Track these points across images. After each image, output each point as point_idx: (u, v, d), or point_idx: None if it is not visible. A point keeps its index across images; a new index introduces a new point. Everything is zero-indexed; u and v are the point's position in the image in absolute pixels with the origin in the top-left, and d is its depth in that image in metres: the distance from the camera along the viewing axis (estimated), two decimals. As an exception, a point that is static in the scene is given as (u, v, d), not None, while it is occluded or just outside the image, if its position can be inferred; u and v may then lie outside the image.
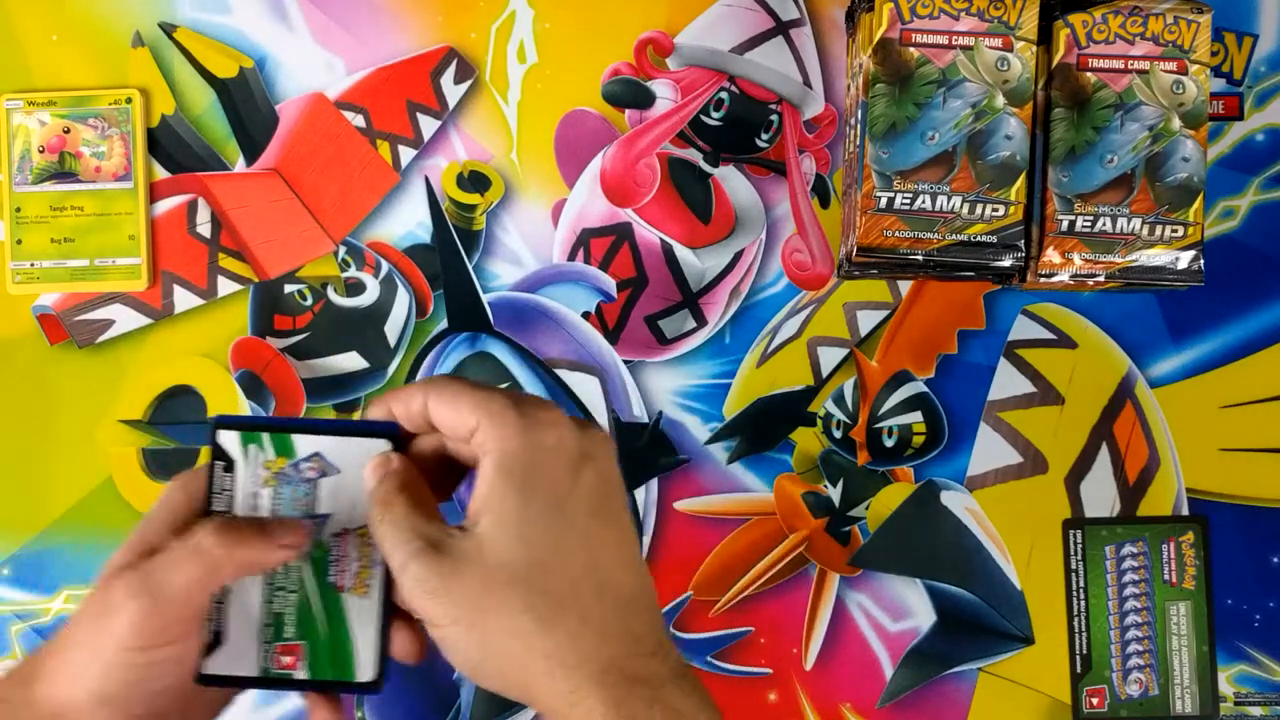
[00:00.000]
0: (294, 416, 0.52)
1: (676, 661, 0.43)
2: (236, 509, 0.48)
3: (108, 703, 0.44)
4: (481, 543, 0.42)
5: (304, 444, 0.48)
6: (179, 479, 0.48)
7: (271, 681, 0.48)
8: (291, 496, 0.48)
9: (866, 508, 0.76)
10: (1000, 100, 0.68)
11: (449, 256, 0.77)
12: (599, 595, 0.43)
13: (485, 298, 0.77)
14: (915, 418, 0.77)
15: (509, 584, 0.42)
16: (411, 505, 0.44)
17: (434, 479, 0.47)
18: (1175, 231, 0.69)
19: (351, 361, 0.77)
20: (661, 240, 0.77)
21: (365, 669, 0.48)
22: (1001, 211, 0.68)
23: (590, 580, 0.43)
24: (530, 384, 0.76)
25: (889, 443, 0.76)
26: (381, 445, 0.47)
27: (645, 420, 0.77)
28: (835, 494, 0.77)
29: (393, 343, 0.77)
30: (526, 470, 0.43)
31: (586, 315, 0.77)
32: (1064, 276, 0.69)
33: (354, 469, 0.48)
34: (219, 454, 0.48)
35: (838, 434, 0.77)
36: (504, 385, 0.76)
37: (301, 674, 0.48)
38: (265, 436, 0.48)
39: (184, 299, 0.76)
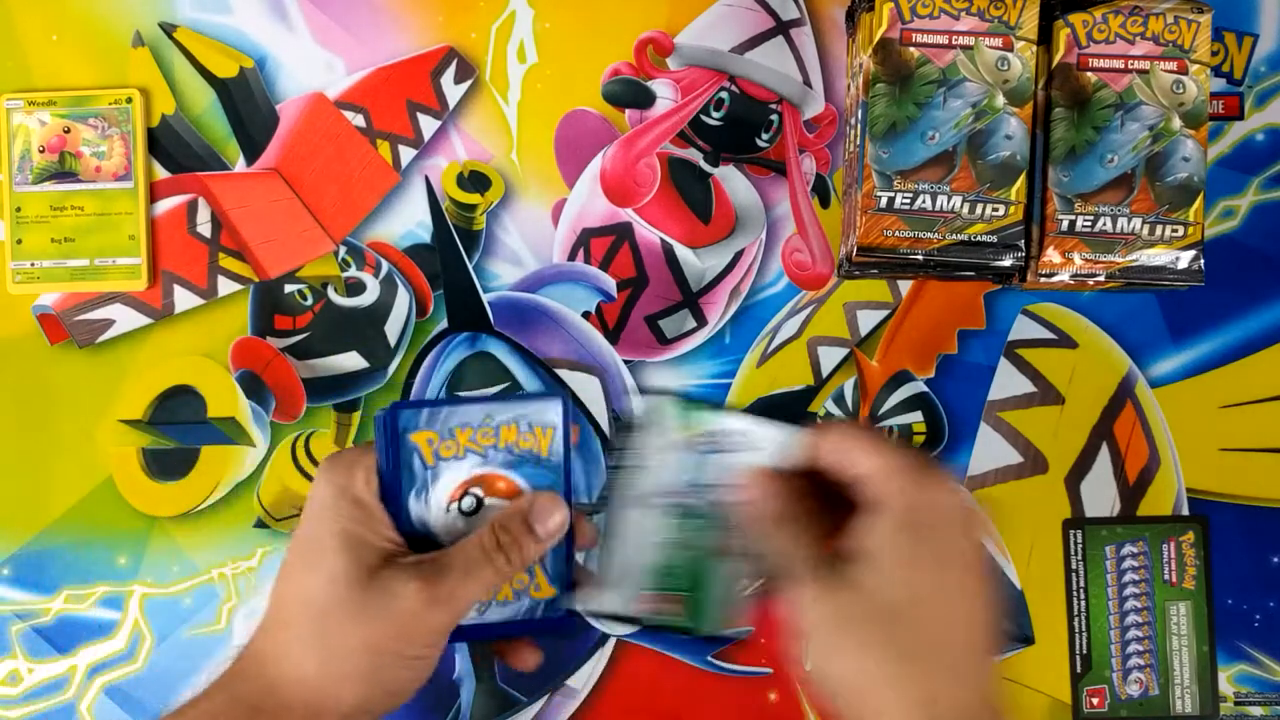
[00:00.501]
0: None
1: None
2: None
3: (373, 706, 0.47)
4: (874, 574, 0.45)
5: (719, 420, 0.54)
6: (341, 463, 0.50)
7: (641, 622, 0.52)
8: (696, 464, 0.54)
9: (867, 507, 0.76)
10: (1000, 100, 0.68)
11: (449, 256, 0.77)
12: (968, 649, 0.45)
13: (485, 297, 0.77)
14: (915, 417, 0.77)
15: (889, 618, 0.45)
16: (806, 522, 0.49)
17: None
18: (1175, 231, 0.69)
19: (352, 361, 0.77)
20: (662, 240, 0.77)
21: (721, 623, 0.53)
22: (1002, 211, 0.68)
23: (964, 634, 0.45)
24: (530, 384, 0.76)
25: (889, 442, 0.76)
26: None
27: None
28: (835, 494, 0.77)
29: (393, 342, 0.77)
30: (922, 522, 0.46)
31: (587, 315, 0.77)
32: (1064, 276, 0.69)
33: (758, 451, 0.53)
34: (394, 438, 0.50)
35: (838, 434, 0.77)
36: (504, 385, 0.76)
37: (684, 621, 0.53)
38: (697, 410, 0.54)
39: (184, 299, 0.76)
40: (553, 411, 0.52)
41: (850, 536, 0.47)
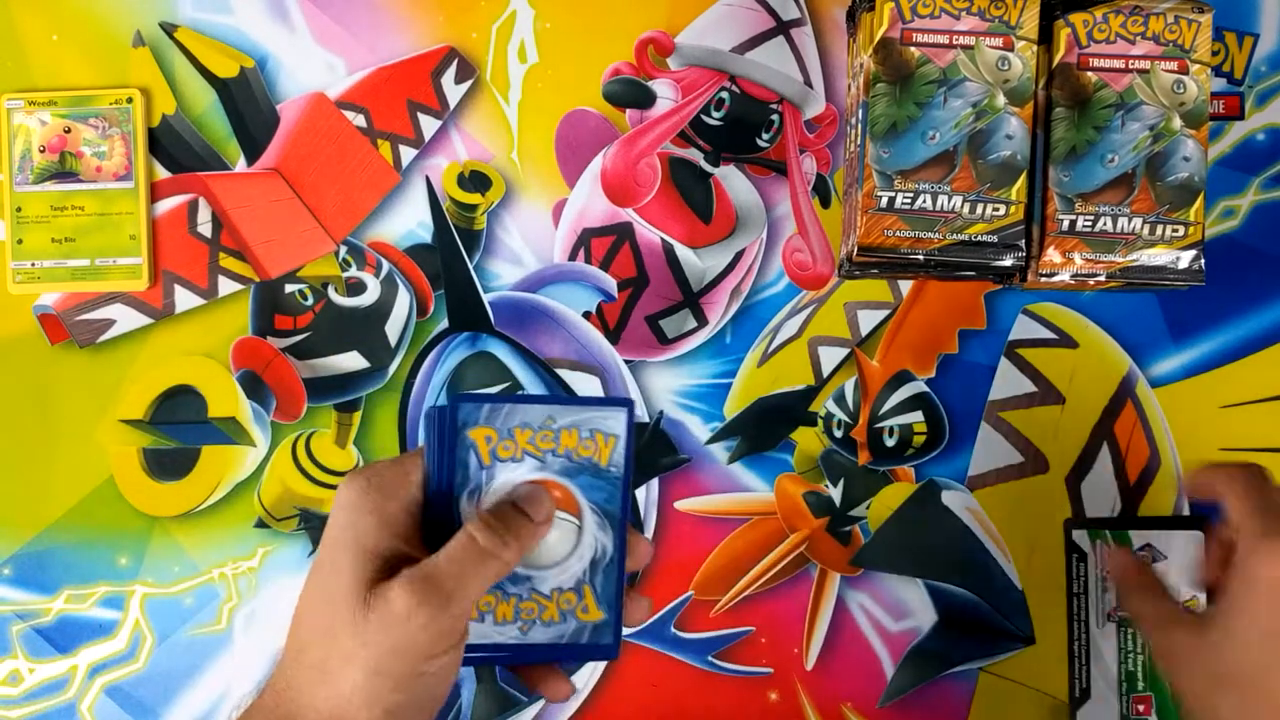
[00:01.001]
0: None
1: None
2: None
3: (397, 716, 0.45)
4: (1227, 637, 0.55)
5: (1137, 537, 0.72)
6: (360, 480, 0.48)
7: None
8: None
9: (867, 507, 0.76)
10: (1001, 100, 0.68)
11: (450, 256, 0.77)
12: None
13: (486, 297, 0.77)
14: (916, 417, 0.77)
15: (1241, 675, 0.54)
16: (1161, 588, 0.63)
17: None
18: (1176, 231, 0.69)
19: (352, 361, 0.77)
20: (662, 240, 0.77)
21: None
22: (1002, 211, 0.68)
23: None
24: (531, 383, 0.76)
25: (890, 442, 0.76)
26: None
27: (646, 420, 0.77)
28: (836, 494, 0.77)
29: (393, 342, 0.77)
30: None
31: (587, 315, 0.77)
32: (1065, 276, 0.69)
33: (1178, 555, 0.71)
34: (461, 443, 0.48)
35: (838, 434, 0.77)
36: (504, 385, 0.76)
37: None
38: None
39: (185, 299, 0.76)
40: (616, 420, 0.49)
41: (1222, 597, 0.56)
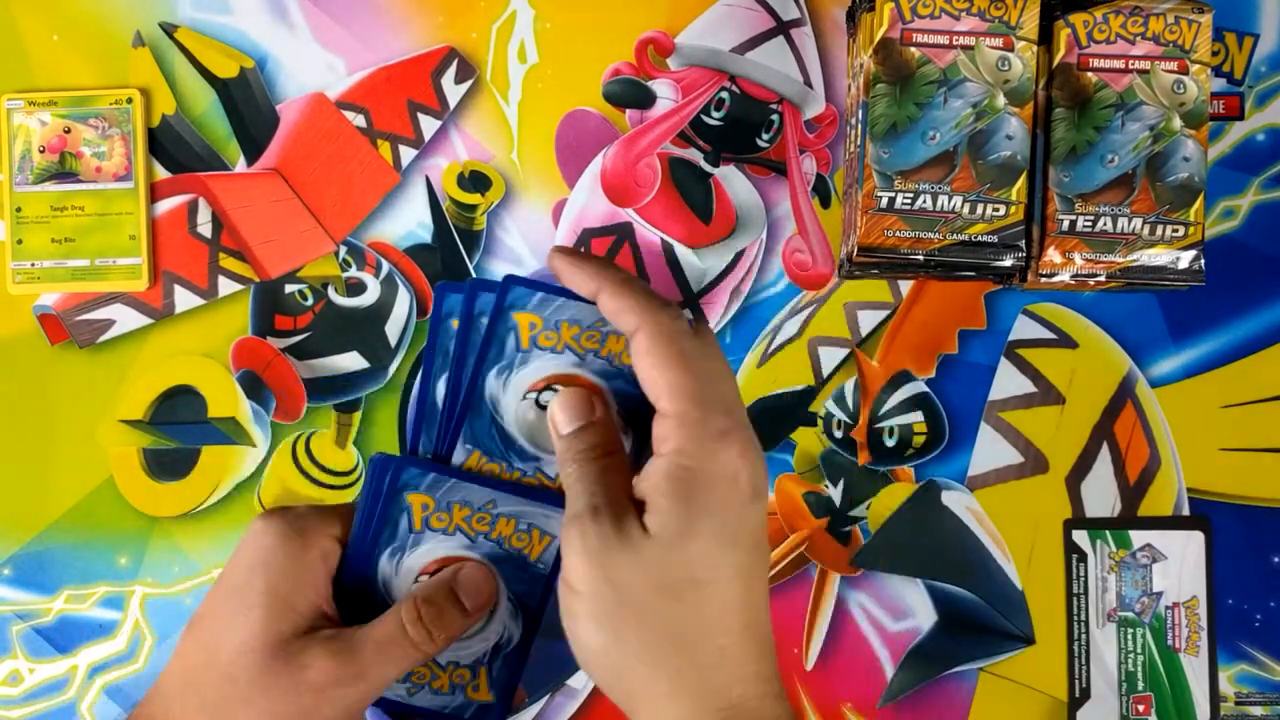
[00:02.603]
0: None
1: (788, 710, 0.43)
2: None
3: None
4: (648, 543, 0.41)
5: (1137, 538, 0.72)
6: (281, 523, 0.46)
7: None
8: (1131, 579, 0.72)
9: (867, 508, 0.76)
10: (1001, 100, 0.68)
11: (450, 256, 0.77)
12: (744, 631, 0.42)
13: (486, 298, 0.77)
14: (916, 417, 0.77)
15: (660, 593, 0.41)
16: (612, 466, 0.44)
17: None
18: (1176, 231, 0.69)
19: (352, 361, 0.77)
20: (662, 240, 0.77)
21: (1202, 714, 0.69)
22: (1002, 211, 0.68)
23: (739, 615, 0.42)
24: (531, 384, 0.76)
25: (890, 442, 0.76)
26: None
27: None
28: (836, 494, 0.77)
29: (394, 342, 0.77)
30: (702, 492, 0.42)
31: (587, 315, 0.77)
32: (1065, 276, 0.69)
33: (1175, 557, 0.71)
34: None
35: (838, 434, 0.77)
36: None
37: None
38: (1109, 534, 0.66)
39: (185, 299, 0.76)
40: (558, 521, 0.47)
41: (638, 487, 0.43)
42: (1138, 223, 0.69)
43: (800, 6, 0.77)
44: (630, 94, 0.77)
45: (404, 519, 0.47)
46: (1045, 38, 0.69)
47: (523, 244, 0.77)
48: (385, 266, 0.77)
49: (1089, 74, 0.68)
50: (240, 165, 0.77)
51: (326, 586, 0.46)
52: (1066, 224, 0.69)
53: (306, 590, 0.45)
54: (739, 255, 0.77)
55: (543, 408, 0.47)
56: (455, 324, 0.46)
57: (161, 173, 0.77)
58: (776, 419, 0.77)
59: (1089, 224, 0.69)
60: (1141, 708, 0.74)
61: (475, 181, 0.77)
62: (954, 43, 0.68)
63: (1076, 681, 0.76)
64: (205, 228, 0.77)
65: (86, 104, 0.76)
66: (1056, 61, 0.69)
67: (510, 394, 0.46)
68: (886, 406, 0.77)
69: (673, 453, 0.42)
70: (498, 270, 0.77)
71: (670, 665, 0.41)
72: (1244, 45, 0.76)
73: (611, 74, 0.77)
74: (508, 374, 0.46)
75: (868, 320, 0.77)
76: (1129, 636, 0.75)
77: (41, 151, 0.75)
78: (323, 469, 0.77)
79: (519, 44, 0.77)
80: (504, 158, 0.77)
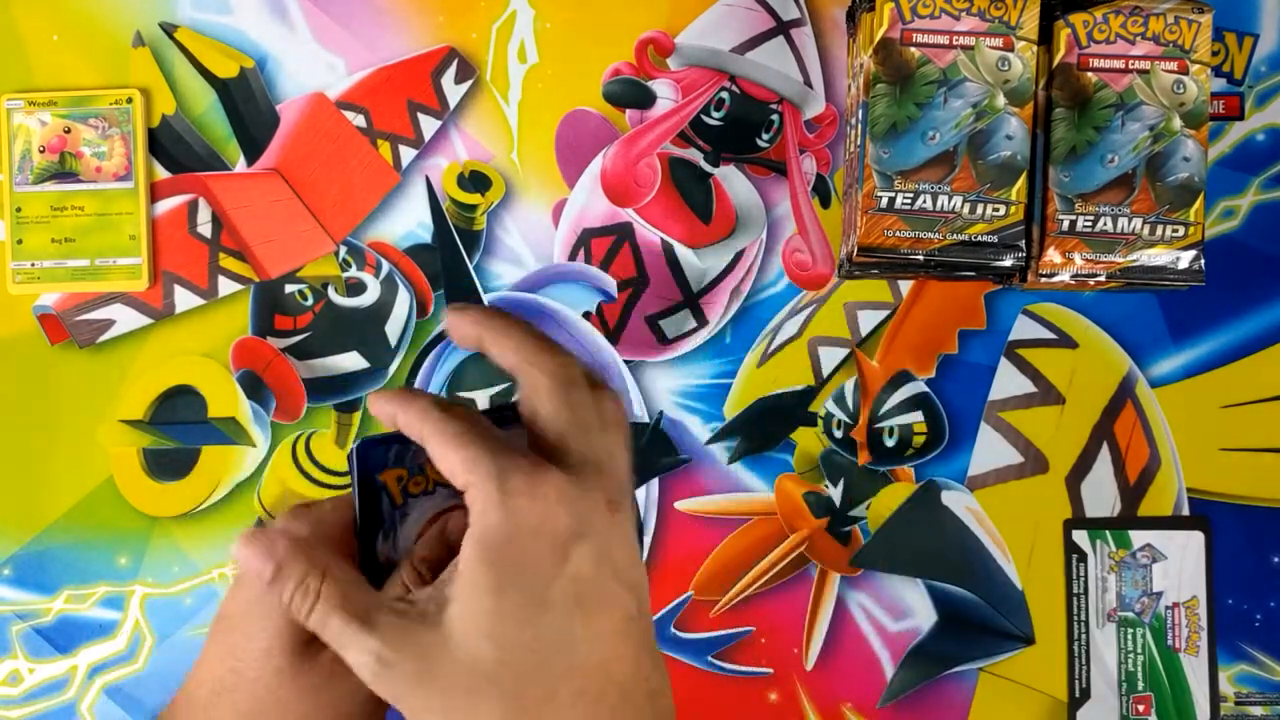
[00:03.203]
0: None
1: None
2: None
3: None
4: (451, 636, 0.37)
5: (1137, 538, 0.73)
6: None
7: None
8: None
9: (867, 508, 0.76)
10: (1001, 100, 0.68)
11: (450, 256, 0.77)
12: (578, 699, 0.38)
13: (486, 297, 0.77)
14: (916, 417, 0.77)
15: (477, 690, 0.37)
16: (341, 589, 0.39)
17: None
18: (1176, 231, 0.69)
19: (352, 361, 0.77)
20: (662, 240, 0.77)
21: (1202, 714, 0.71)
22: (1002, 211, 0.68)
23: (571, 684, 0.38)
24: (531, 384, 0.76)
25: (890, 442, 0.76)
26: None
27: (646, 420, 0.77)
28: (836, 494, 0.77)
29: (393, 343, 0.77)
30: (504, 556, 0.37)
31: (587, 315, 0.77)
32: (1065, 276, 0.69)
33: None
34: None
35: (838, 434, 0.77)
36: (504, 385, 0.76)
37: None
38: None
39: (185, 299, 0.76)
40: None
41: (445, 576, 0.39)
42: (1138, 223, 0.69)
43: (800, 6, 0.77)
44: (630, 94, 0.77)
45: (384, 500, 0.46)
46: (1045, 38, 0.69)
47: (523, 244, 0.77)
48: (385, 266, 0.77)
49: (1089, 74, 0.68)
50: (240, 165, 0.77)
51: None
52: (1066, 224, 0.69)
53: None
54: (739, 255, 0.77)
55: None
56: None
57: (161, 173, 0.77)
58: (776, 419, 0.77)
59: (1089, 224, 0.69)
60: (1141, 708, 0.74)
61: (475, 181, 0.77)
62: (954, 43, 0.68)
63: (1076, 681, 0.76)
64: (205, 228, 0.77)
65: (86, 104, 0.76)
66: (1056, 61, 0.69)
67: (402, 552, 0.45)
68: (886, 406, 0.77)
69: (472, 524, 0.38)
70: (498, 270, 0.77)
71: None
72: (1244, 45, 0.76)
73: (611, 74, 0.77)
74: (393, 535, 0.46)
75: (868, 320, 0.77)
76: (1129, 636, 0.75)
77: (41, 151, 0.75)
78: (323, 469, 0.77)
79: (519, 44, 0.77)
80: (504, 158, 0.77)
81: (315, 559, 0.40)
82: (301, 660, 0.42)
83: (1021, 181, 0.68)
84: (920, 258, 0.69)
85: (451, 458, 0.38)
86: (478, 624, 0.37)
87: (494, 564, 0.37)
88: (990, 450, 0.76)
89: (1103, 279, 0.70)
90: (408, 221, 0.77)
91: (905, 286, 0.77)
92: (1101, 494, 0.76)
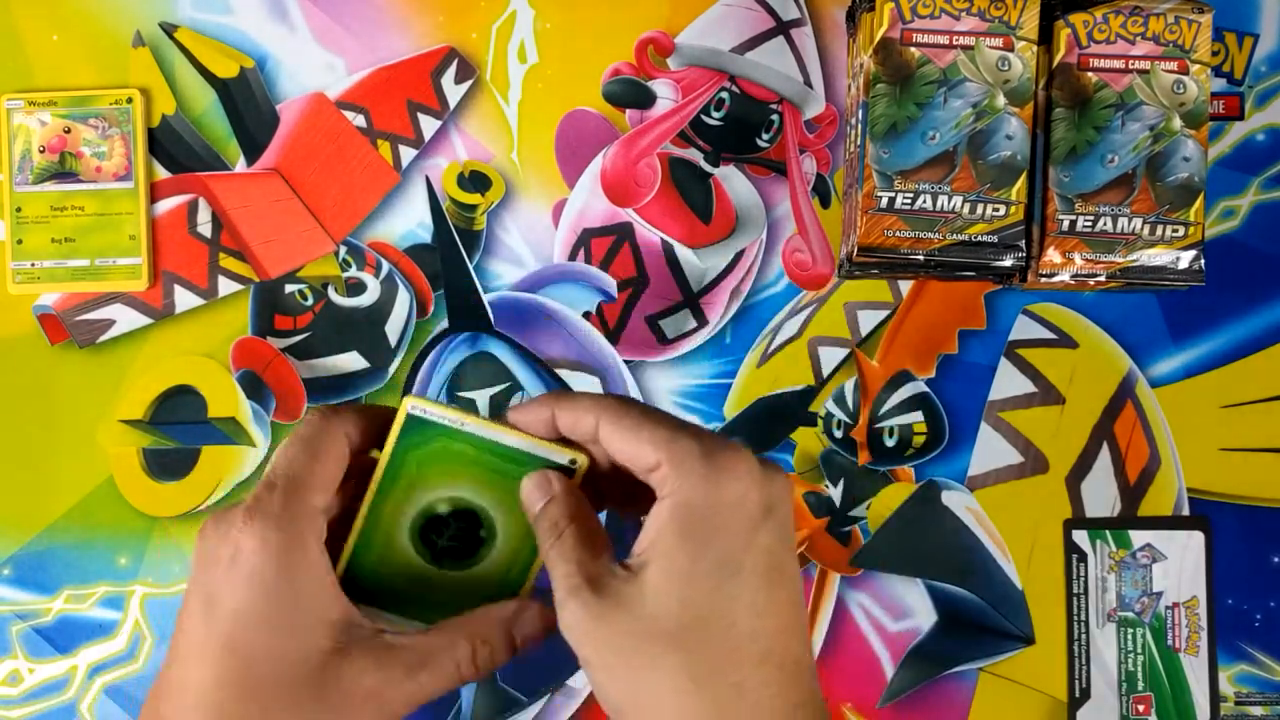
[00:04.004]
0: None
1: None
2: None
3: None
4: (644, 591, 0.41)
5: (1137, 538, 0.73)
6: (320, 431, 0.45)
7: None
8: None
9: (867, 508, 0.76)
10: (1001, 100, 0.68)
11: (450, 256, 0.77)
12: (761, 663, 0.41)
13: (486, 297, 0.77)
14: (916, 417, 0.77)
15: (665, 639, 0.40)
16: (580, 536, 0.43)
17: (603, 493, 0.47)
18: (1176, 231, 0.69)
19: (352, 361, 0.77)
20: (662, 240, 0.77)
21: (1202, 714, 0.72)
22: (1002, 211, 0.68)
23: (754, 647, 0.41)
24: (531, 384, 0.76)
25: (890, 442, 0.76)
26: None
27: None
28: (836, 494, 0.77)
29: (394, 343, 0.77)
30: (704, 524, 0.41)
31: (587, 315, 0.77)
32: (1065, 276, 0.69)
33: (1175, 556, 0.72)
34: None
35: (838, 434, 0.77)
36: (504, 385, 0.76)
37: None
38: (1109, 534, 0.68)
39: (185, 299, 0.76)
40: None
41: (638, 544, 0.42)
42: (1138, 223, 0.69)
43: (800, 6, 0.77)
44: (630, 94, 0.77)
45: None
46: (1045, 38, 0.69)
47: (523, 244, 0.77)
48: (385, 266, 0.77)
49: (1089, 74, 0.68)
50: (240, 165, 0.77)
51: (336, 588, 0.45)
52: (1066, 224, 0.69)
53: (327, 603, 0.44)
54: (739, 255, 0.77)
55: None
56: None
57: (161, 173, 0.77)
58: (776, 419, 0.77)
59: (1089, 224, 0.69)
60: (1141, 708, 0.74)
61: (475, 181, 0.77)
62: (954, 43, 0.68)
63: (1076, 681, 0.76)
64: (205, 228, 0.77)
65: (86, 104, 0.76)
66: (1056, 61, 0.69)
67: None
68: (886, 406, 0.77)
69: (670, 495, 0.41)
70: (498, 270, 0.77)
71: (689, 708, 0.40)
72: (1244, 45, 0.77)
73: (611, 74, 0.77)
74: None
75: (868, 320, 0.77)
76: (1129, 636, 0.75)
77: (41, 151, 0.75)
78: (323, 469, 0.76)
79: (519, 44, 0.77)
80: (504, 158, 0.77)
81: (574, 507, 0.44)
82: (322, 673, 0.42)
83: (1021, 181, 0.68)
84: (920, 258, 0.69)
85: (643, 436, 0.42)
86: (671, 585, 0.40)
87: (693, 533, 0.41)
88: (990, 450, 0.76)
89: (1103, 279, 0.70)
90: (408, 221, 0.77)
91: (905, 286, 0.77)
92: (1101, 494, 0.76)
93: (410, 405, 0.46)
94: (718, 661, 0.41)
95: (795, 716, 0.42)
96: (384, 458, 0.46)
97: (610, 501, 0.48)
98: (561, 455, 0.46)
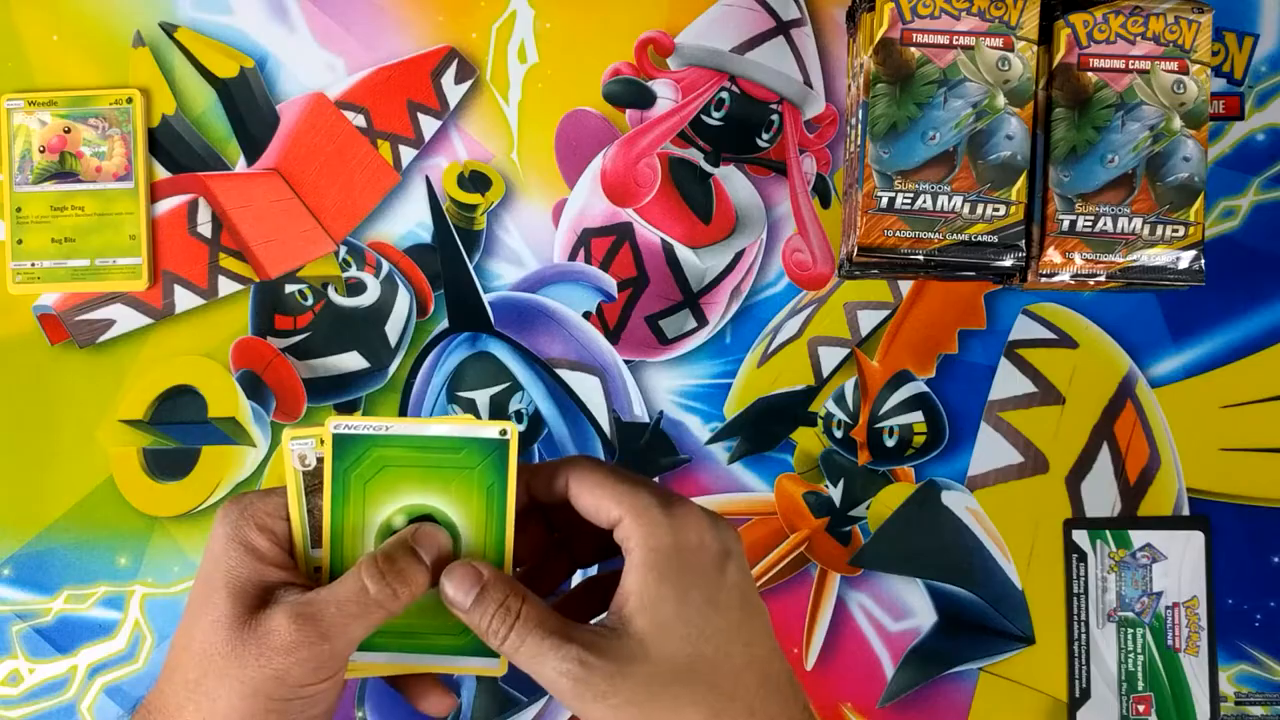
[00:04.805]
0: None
1: None
2: None
3: None
4: (644, 640, 0.43)
5: (1137, 538, 0.73)
6: (233, 514, 0.47)
7: None
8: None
9: (867, 508, 0.77)
10: (1001, 100, 0.68)
11: (450, 256, 0.77)
12: (761, 685, 0.44)
13: (486, 297, 0.77)
14: (916, 417, 0.77)
15: (681, 680, 0.43)
16: (540, 606, 0.44)
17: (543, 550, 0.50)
18: (1176, 231, 0.69)
19: (352, 361, 0.77)
20: (662, 240, 0.77)
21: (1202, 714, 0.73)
22: (1002, 211, 0.68)
23: (752, 672, 0.44)
24: (531, 384, 0.76)
25: (890, 442, 0.76)
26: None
27: (646, 420, 0.77)
28: (836, 494, 0.77)
29: (393, 342, 0.77)
30: (677, 567, 0.44)
31: (587, 315, 0.77)
32: (1065, 276, 0.69)
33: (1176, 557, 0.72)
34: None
35: (838, 434, 0.77)
36: (504, 385, 0.76)
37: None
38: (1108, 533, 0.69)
39: (185, 299, 0.76)
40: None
41: (616, 600, 0.44)
42: (1138, 223, 0.69)
43: (800, 6, 0.77)
44: (630, 94, 0.77)
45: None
46: (1045, 38, 0.69)
47: (523, 244, 0.77)
48: (385, 266, 0.77)
49: (1089, 74, 0.68)
50: (240, 165, 0.77)
51: (282, 556, 0.46)
52: (1066, 224, 0.69)
53: (266, 569, 0.46)
54: (739, 255, 0.77)
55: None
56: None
57: (161, 173, 0.77)
58: (776, 419, 0.77)
59: (1089, 224, 0.69)
60: (1141, 708, 0.74)
61: (475, 181, 0.77)
62: (954, 43, 0.68)
63: (1076, 681, 0.76)
64: (205, 228, 0.77)
65: (86, 104, 0.76)
66: (1056, 61, 0.69)
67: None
68: (886, 406, 0.77)
69: (640, 545, 0.44)
70: (498, 270, 0.77)
71: None
72: (1244, 45, 0.77)
73: (611, 74, 0.77)
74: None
75: (868, 320, 0.77)
76: (1129, 636, 0.75)
77: (41, 151, 0.75)
78: (323, 469, 0.76)
79: (519, 44, 0.77)
80: (504, 158, 0.77)
81: (514, 585, 0.45)
82: (243, 628, 0.44)
83: (1021, 181, 0.68)
84: (920, 258, 0.69)
85: (605, 494, 0.45)
86: (668, 629, 0.43)
87: (671, 578, 0.43)
88: (990, 450, 0.76)
89: (1103, 279, 0.70)
90: (408, 221, 0.77)
91: (905, 286, 0.77)
92: (1101, 494, 0.76)
93: (332, 424, 0.46)
94: (729, 690, 0.43)
95: None
96: (326, 486, 0.46)
97: (583, 557, 0.51)
98: (490, 428, 0.46)
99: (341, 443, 0.46)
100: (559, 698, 0.43)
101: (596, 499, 0.45)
